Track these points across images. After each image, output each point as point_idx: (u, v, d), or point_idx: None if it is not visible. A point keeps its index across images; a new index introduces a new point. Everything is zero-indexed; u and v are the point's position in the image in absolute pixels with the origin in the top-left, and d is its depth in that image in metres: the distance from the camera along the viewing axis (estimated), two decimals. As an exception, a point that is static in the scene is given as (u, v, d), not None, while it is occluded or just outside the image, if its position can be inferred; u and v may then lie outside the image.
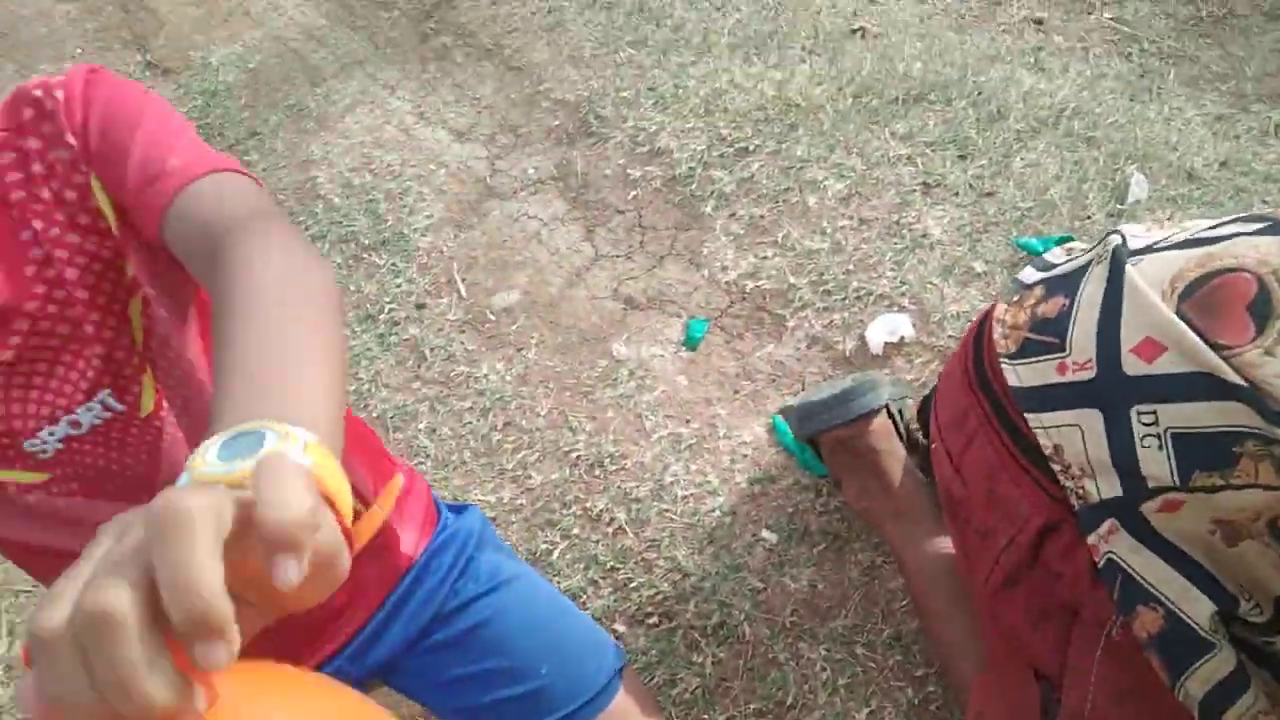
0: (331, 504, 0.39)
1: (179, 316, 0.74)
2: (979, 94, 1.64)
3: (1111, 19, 1.89)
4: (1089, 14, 1.91)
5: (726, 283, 1.47)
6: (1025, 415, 0.79)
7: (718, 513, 1.24)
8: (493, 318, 1.53)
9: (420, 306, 1.57)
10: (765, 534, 1.21)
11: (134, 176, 0.65)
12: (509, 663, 0.96)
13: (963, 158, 1.55)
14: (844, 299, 1.40)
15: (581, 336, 1.48)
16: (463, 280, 1.59)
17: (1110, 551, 0.76)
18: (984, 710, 0.95)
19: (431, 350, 1.50)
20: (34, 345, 0.67)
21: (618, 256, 1.57)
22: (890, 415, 1.11)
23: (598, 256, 1.58)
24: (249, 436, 0.40)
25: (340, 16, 2.21)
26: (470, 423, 1.40)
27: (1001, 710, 0.92)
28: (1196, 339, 0.69)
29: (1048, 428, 0.78)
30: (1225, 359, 0.68)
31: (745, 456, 1.29)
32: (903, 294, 1.38)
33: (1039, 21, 1.91)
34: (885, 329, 1.33)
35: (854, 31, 1.86)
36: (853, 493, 1.13)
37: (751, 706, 1.09)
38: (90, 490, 0.74)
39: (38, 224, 0.66)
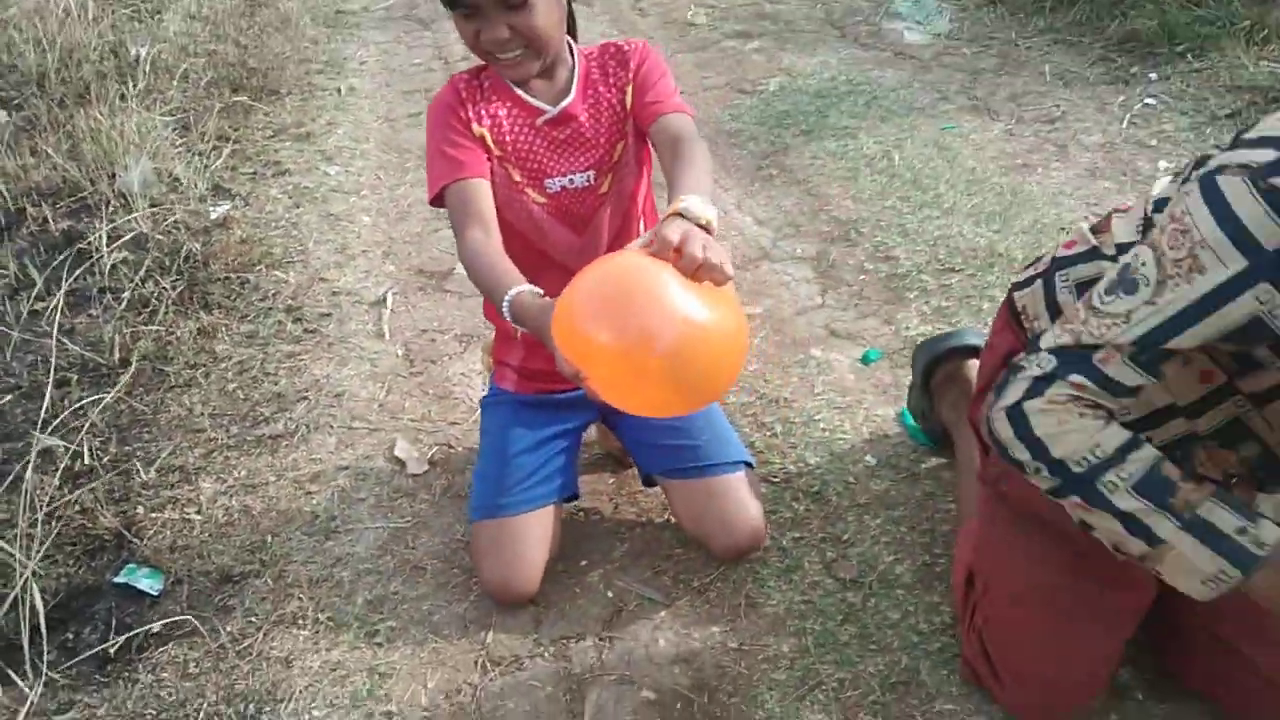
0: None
1: (636, 159, 1.51)
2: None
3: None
4: None
5: (906, 337, 2.08)
6: (1014, 293, 1.35)
7: (841, 442, 1.81)
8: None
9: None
10: (868, 459, 1.77)
11: (654, 94, 1.44)
12: (683, 424, 1.58)
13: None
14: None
15: (795, 341, 2.13)
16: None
17: None
18: (959, 553, 1.45)
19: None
20: (574, 137, 1.47)
21: (837, 307, 2.22)
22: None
23: (824, 304, 2.25)
24: (705, 202, 1.14)
25: (708, 146, 3.11)
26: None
27: (966, 544, 1.43)
28: (1085, 229, 1.24)
29: (1022, 294, 1.33)
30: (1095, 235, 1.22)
31: (874, 422, 1.86)
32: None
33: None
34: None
35: (1061, 230, 2.46)
36: (944, 408, 1.66)
37: (819, 534, 1.63)
38: (560, 217, 1.51)
39: (603, 89, 1.46)
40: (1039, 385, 1.02)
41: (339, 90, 3.75)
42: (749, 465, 1.60)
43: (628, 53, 1.47)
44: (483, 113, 1.45)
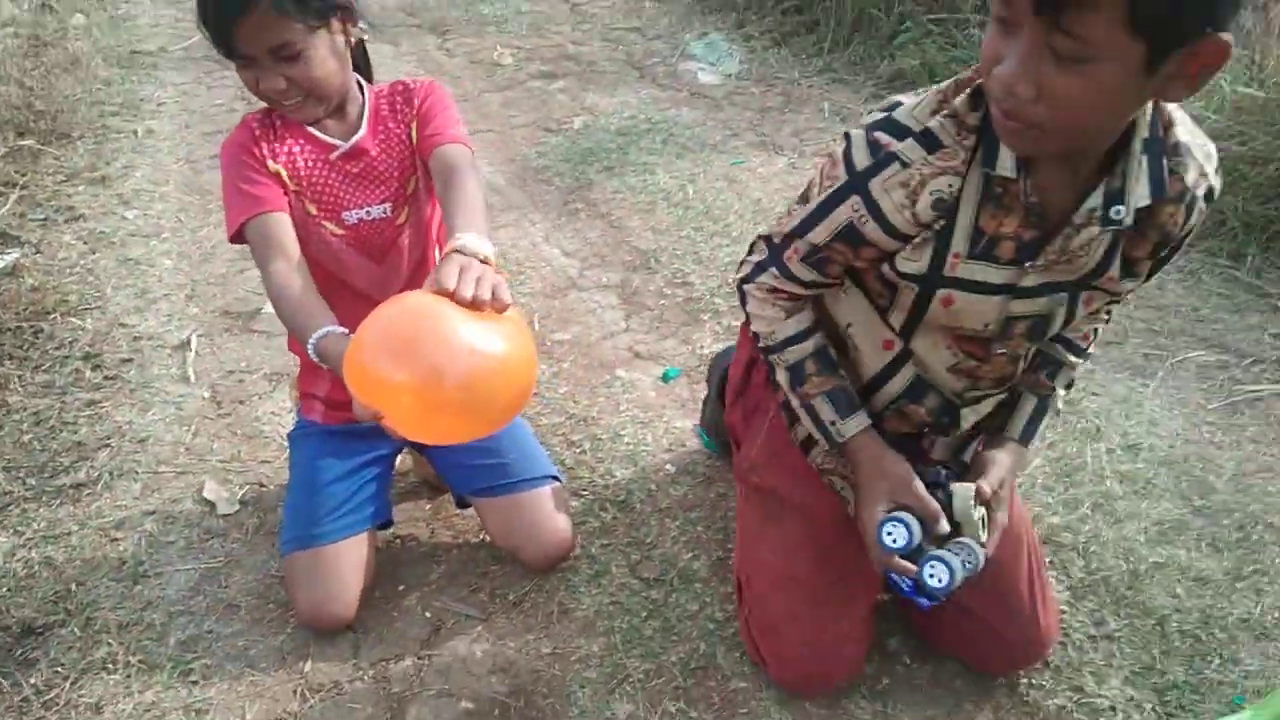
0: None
1: (427, 190, 1.59)
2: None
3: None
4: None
5: (702, 354, 2.25)
6: None
7: (645, 453, 1.95)
8: (549, 345, 2.33)
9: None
10: (668, 466, 1.91)
11: (433, 128, 1.52)
12: (491, 444, 1.66)
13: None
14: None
15: (602, 363, 2.26)
16: (540, 324, 2.41)
17: None
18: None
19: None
20: (367, 170, 1.53)
21: (641, 331, 2.37)
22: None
23: (628, 329, 2.39)
24: (481, 238, 1.25)
25: (516, 182, 3.23)
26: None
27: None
28: None
29: None
30: None
31: (673, 434, 2.01)
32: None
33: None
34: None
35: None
36: (733, 419, 1.82)
37: (625, 539, 1.75)
38: (359, 248, 1.57)
39: (392, 125, 1.54)
40: (755, 271, 1.35)
41: (136, 132, 3.65)
42: (556, 479, 1.70)
43: (414, 90, 1.56)
44: (278, 149, 1.50)
